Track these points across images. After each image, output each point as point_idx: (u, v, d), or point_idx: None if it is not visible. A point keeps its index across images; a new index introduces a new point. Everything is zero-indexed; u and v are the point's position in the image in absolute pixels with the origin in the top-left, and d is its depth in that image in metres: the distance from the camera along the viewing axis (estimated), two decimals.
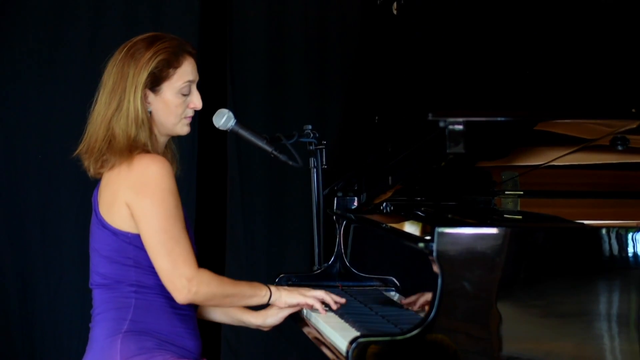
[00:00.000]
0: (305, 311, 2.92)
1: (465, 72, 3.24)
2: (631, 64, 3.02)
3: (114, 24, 4.24)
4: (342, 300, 2.87)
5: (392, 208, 3.35)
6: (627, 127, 2.59)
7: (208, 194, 4.41)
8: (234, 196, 4.36)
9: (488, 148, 2.71)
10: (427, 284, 2.55)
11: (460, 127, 2.43)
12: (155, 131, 2.77)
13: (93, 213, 2.76)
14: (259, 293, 2.80)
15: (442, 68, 3.33)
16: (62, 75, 4.24)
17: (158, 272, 2.66)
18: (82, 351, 2.79)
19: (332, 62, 4.48)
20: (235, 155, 4.33)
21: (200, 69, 2.84)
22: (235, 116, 3.10)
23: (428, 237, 2.49)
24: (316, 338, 2.80)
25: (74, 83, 4.19)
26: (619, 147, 2.66)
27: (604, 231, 2.55)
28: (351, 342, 2.42)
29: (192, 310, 2.81)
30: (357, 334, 2.56)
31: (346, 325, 2.73)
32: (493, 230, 2.51)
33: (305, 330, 2.91)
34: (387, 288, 3.16)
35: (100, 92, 2.75)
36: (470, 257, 2.48)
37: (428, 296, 2.62)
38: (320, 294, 2.85)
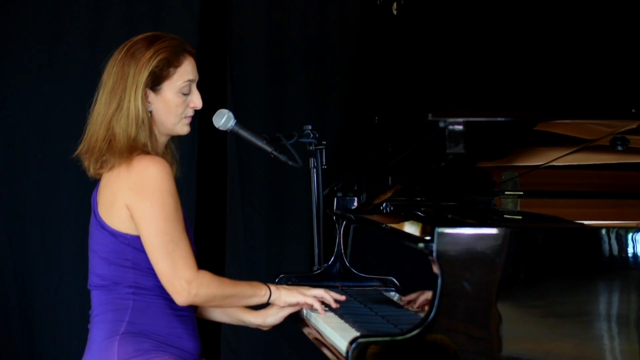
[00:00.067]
0: (305, 311, 2.92)
1: (465, 72, 3.24)
2: (631, 64, 3.01)
3: (114, 24, 4.24)
4: (342, 298, 2.87)
5: (392, 208, 3.35)
6: (627, 128, 2.59)
7: (208, 194, 4.41)
8: (234, 196, 4.36)
9: (488, 148, 2.71)
10: (427, 284, 2.55)
11: (460, 127, 2.43)
12: (155, 131, 2.77)
13: (92, 214, 2.76)
14: (258, 292, 2.80)
15: (442, 68, 3.33)
16: (62, 75, 4.24)
17: (158, 274, 2.66)
18: (82, 351, 2.79)
19: (332, 62, 4.48)
20: (235, 155, 4.33)
21: (200, 69, 2.84)
22: (235, 116, 3.10)
23: (428, 238, 2.49)
24: (316, 338, 2.80)
25: (74, 83, 4.19)
26: (619, 148, 2.65)
27: (603, 231, 2.55)
28: (351, 343, 2.42)
29: (192, 311, 2.81)
30: (357, 334, 2.56)
31: (346, 325, 2.73)
32: (493, 231, 2.51)
33: (305, 330, 2.91)
34: (387, 288, 3.16)
35: (100, 92, 2.75)
36: (470, 257, 2.48)
37: (428, 295, 2.62)
38: (320, 292, 2.85)
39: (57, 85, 4.24)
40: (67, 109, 4.18)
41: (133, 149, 2.68)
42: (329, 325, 2.74)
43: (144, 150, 2.70)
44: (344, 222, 3.39)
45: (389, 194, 3.28)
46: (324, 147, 3.32)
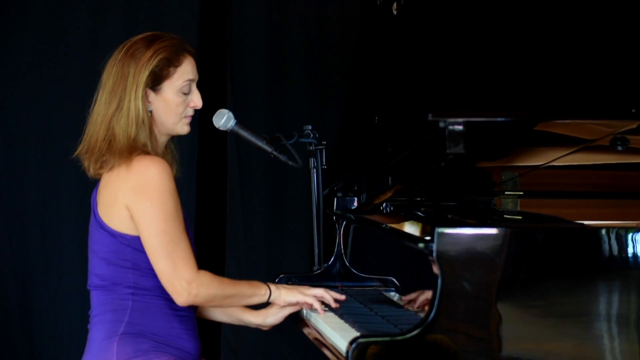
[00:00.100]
0: (305, 311, 2.92)
1: (465, 72, 3.23)
2: (631, 64, 3.01)
3: (114, 24, 4.25)
4: (342, 297, 2.87)
5: (392, 208, 3.35)
6: (627, 128, 2.59)
7: (208, 194, 4.41)
8: (234, 196, 4.36)
9: (488, 148, 2.71)
10: (427, 284, 2.55)
11: (460, 127, 2.43)
12: (155, 131, 2.77)
13: (92, 214, 2.76)
14: (258, 292, 2.80)
15: (442, 68, 3.33)
16: (62, 75, 4.25)
17: (158, 275, 2.66)
18: (82, 351, 2.79)
19: (332, 62, 4.48)
20: (235, 155, 4.33)
21: (200, 69, 2.84)
22: (235, 116, 3.10)
23: (428, 238, 2.49)
24: (316, 338, 2.80)
25: (74, 83, 4.19)
26: (619, 148, 2.65)
27: (603, 231, 2.55)
28: (351, 343, 2.42)
29: (191, 311, 2.81)
30: (357, 334, 2.56)
31: (346, 325, 2.73)
32: (493, 231, 2.50)
33: (305, 330, 2.91)
34: (387, 288, 3.16)
35: (100, 92, 2.75)
36: (470, 257, 2.48)
37: (428, 294, 2.62)
38: (320, 292, 2.85)
39: (57, 85, 4.25)
40: (67, 109, 4.18)
41: (133, 149, 2.68)
42: (329, 325, 2.74)
43: (144, 151, 2.69)
44: (344, 222, 3.39)
45: (389, 194, 3.28)
46: (324, 147, 3.32)
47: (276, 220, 4.43)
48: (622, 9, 3.06)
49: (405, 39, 3.54)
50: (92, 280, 2.76)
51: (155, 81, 2.73)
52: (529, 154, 2.89)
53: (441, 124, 2.43)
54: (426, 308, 2.53)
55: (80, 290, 3.18)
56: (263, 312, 2.92)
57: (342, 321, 2.78)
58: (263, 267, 4.38)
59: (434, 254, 2.47)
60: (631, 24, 3.05)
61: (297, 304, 2.85)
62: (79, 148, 2.77)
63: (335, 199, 3.49)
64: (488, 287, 2.49)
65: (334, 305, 2.84)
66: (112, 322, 2.70)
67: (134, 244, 2.68)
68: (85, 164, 2.76)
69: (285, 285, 2.89)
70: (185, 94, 2.77)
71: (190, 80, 2.78)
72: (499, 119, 2.52)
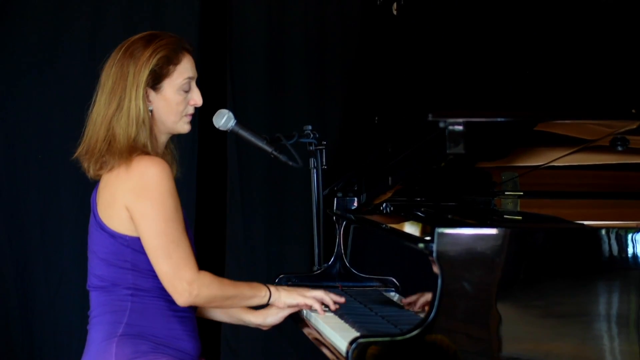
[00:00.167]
0: (305, 311, 2.92)
1: (465, 72, 3.24)
2: (631, 64, 3.01)
3: (114, 24, 4.25)
4: (341, 300, 2.87)
5: (392, 208, 3.35)
6: (627, 128, 2.59)
7: (208, 194, 4.41)
8: (234, 196, 4.36)
9: (488, 149, 2.71)
10: (427, 284, 2.55)
11: (460, 127, 2.43)
12: (155, 131, 2.76)
13: (91, 215, 2.76)
14: (258, 294, 2.80)
15: (442, 68, 3.33)
16: (62, 75, 4.24)
17: (159, 276, 2.66)
18: (82, 351, 2.79)
19: (332, 62, 4.48)
20: (235, 155, 4.33)
21: (200, 69, 2.84)
22: (235, 116, 3.10)
23: (428, 238, 2.49)
24: (316, 339, 2.80)
25: (74, 83, 4.19)
26: (619, 148, 2.65)
27: (603, 232, 2.55)
28: (351, 343, 2.42)
29: (191, 312, 2.80)
30: (357, 334, 2.56)
31: (346, 325, 2.73)
32: (493, 231, 2.50)
33: (305, 330, 2.91)
34: (387, 288, 3.16)
35: (99, 93, 2.74)
36: (470, 257, 2.48)
37: (428, 296, 2.62)
38: (320, 294, 2.85)
39: (57, 85, 4.24)
40: (67, 108, 4.18)
41: (133, 150, 2.67)
42: (328, 326, 2.74)
43: (144, 151, 2.69)
44: (344, 223, 3.39)
45: (389, 194, 3.27)
46: (324, 147, 3.32)
47: (276, 220, 4.42)
48: (622, 9, 3.06)
49: (405, 39, 3.54)
50: (92, 280, 2.76)
51: (156, 80, 2.73)
52: (529, 154, 2.89)
53: (441, 124, 2.43)
54: (426, 308, 2.53)
55: (80, 291, 3.18)
56: (263, 312, 2.92)
57: (342, 321, 2.78)
58: (263, 267, 4.38)
59: (434, 254, 2.47)
60: (631, 24, 3.05)
61: (297, 306, 2.85)
62: (79, 149, 2.77)
63: (335, 199, 3.49)
64: (488, 287, 2.49)
65: (333, 307, 2.84)
66: (111, 323, 2.70)
67: (134, 245, 2.68)
68: (85, 165, 2.76)
69: (285, 287, 2.89)
70: (185, 91, 2.77)
71: (190, 78, 2.78)
72: (499, 119, 2.52)
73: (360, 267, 3.29)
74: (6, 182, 4.23)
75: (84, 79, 4.12)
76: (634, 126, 2.56)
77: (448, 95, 3.25)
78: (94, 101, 2.75)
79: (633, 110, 2.51)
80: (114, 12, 4.27)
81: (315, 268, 3.37)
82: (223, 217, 4.38)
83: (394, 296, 3.08)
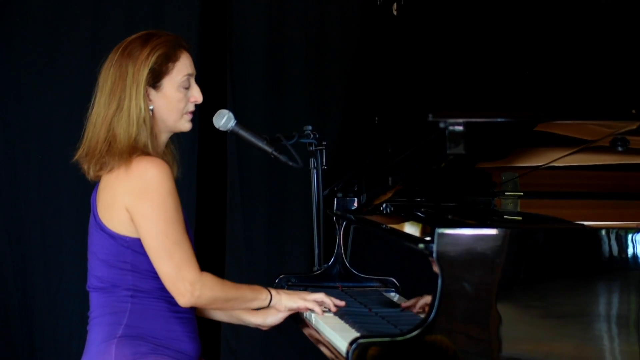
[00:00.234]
0: (305, 312, 2.92)
1: (466, 72, 3.23)
2: (631, 64, 3.01)
3: (114, 24, 4.24)
4: (342, 303, 2.87)
5: (392, 209, 3.35)
6: (627, 128, 2.59)
7: (208, 195, 4.41)
8: (234, 197, 4.36)
9: (488, 149, 2.71)
10: (427, 284, 2.55)
11: (461, 128, 2.43)
12: (156, 130, 2.76)
13: (91, 215, 2.75)
14: (259, 297, 2.80)
15: (442, 69, 3.33)
16: (63, 75, 4.24)
17: (161, 276, 2.66)
18: (82, 351, 2.78)
19: (332, 62, 4.48)
20: (235, 155, 4.33)
21: (200, 69, 2.85)
22: (235, 117, 3.10)
23: (428, 238, 2.49)
24: (316, 339, 2.80)
25: (75, 83, 4.19)
26: (619, 148, 2.66)
27: (603, 232, 2.55)
28: (351, 343, 2.42)
29: (192, 313, 2.80)
30: (357, 334, 2.56)
31: (346, 326, 2.73)
32: (493, 231, 2.50)
33: (306, 331, 2.91)
34: (387, 289, 3.16)
35: (98, 95, 2.74)
36: (470, 258, 2.48)
37: (427, 298, 2.62)
38: (320, 296, 2.85)
39: (57, 85, 4.24)
40: (67, 108, 4.18)
41: (133, 150, 2.67)
42: (329, 326, 2.74)
43: (144, 151, 2.69)
44: (344, 223, 3.39)
45: (389, 195, 3.27)
46: (324, 147, 3.32)
47: (276, 220, 4.42)
48: (622, 9, 3.06)
49: (405, 40, 3.54)
50: (92, 281, 2.76)
51: (156, 78, 2.72)
52: (529, 155, 2.89)
53: (441, 125, 2.43)
54: (426, 309, 2.53)
55: (80, 291, 3.18)
56: (263, 312, 2.91)
57: (342, 322, 2.78)
58: (263, 268, 4.38)
59: (434, 255, 2.47)
60: (631, 24, 3.05)
61: (297, 309, 2.85)
62: (79, 152, 2.76)
63: (336, 199, 3.49)
64: (488, 287, 2.49)
65: (333, 309, 2.85)
66: (111, 324, 2.70)
67: (134, 246, 2.67)
68: (85, 167, 2.75)
69: (286, 291, 2.89)
70: (185, 88, 2.77)
71: (189, 75, 2.78)
72: (499, 120, 2.52)
73: (360, 268, 3.29)
74: (6, 182, 4.23)
75: (84, 79, 4.09)
76: (634, 126, 2.56)
77: (448, 96, 3.25)
78: (93, 104, 2.75)
79: (633, 111, 2.51)
80: (114, 12, 4.27)
81: (315, 268, 3.37)
82: (223, 217, 4.37)
83: (394, 296, 3.08)
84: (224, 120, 3.09)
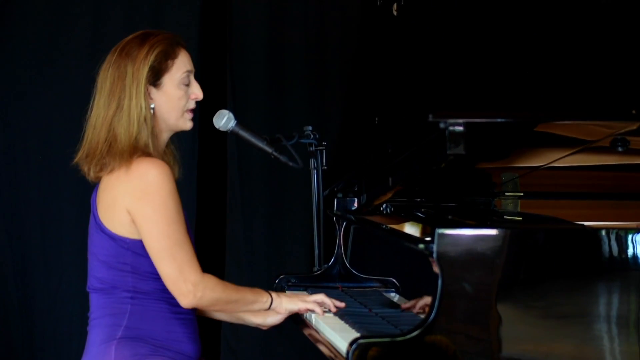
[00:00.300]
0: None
1: (466, 73, 3.23)
2: (631, 64, 3.01)
3: (114, 24, 4.25)
4: (342, 305, 2.88)
5: (392, 209, 3.35)
6: (627, 129, 2.59)
7: (208, 195, 4.41)
8: (234, 197, 4.36)
9: (488, 149, 2.71)
10: (427, 285, 2.55)
11: (461, 128, 2.43)
12: (157, 129, 2.75)
13: (91, 216, 2.75)
14: (260, 299, 2.80)
15: (442, 69, 3.33)
16: (63, 75, 4.25)
17: (163, 278, 2.65)
18: (82, 352, 2.78)
19: (332, 62, 4.48)
20: (235, 156, 4.33)
21: (200, 69, 2.85)
22: (235, 117, 3.10)
23: (428, 238, 2.49)
24: (316, 339, 2.80)
25: (75, 83, 4.19)
26: (619, 149, 2.66)
27: (603, 232, 2.55)
28: (351, 344, 2.42)
29: (193, 314, 2.80)
30: (357, 335, 2.56)
31: (346, 326, 2.73)
32: (493, 232, 2.50)
33: (306, 331, 2.91)
34: (387, 289, 3.16)
35: (97, 97, 2.73)
36: (470, 258, 2.48)
37: (427, 299, 2.62)
38: (320, 297, 2.86)
39: (57, 85, 4.24)
40: (67, 109, 4.18)
41: (134, 150, 2.66)
42: (329, 326, 2.74)
43: (145, 152, 2.68)
44: (344, 223, 3.39)
45: (389, 195, 3.27)
46: (324, 147, 3.32)
47: (276, 220, 4.42)
48: (622, 9, 3.06)
49: (405, 40, 3.54)
50: (92, 282, 2.76)
51: (156, 76, 2.72)
52: (529, 155, 2.89)
53: (441, 125, 2.43)
54: (426, 309, 2.53)
55: (80, 291, 3.19)
56: (263, 312, 2.91)
57: (342, 322, 2.78)
58: (263, 268, 4.38)
59: (434, 255, 2.47)
60: (631, 24, 3.05)
61: (298, 311, 2.85)
62: (79, 155, 2.75)
63: (336, 199, 3.49)
64: (488, 288, 2.49)
65: (333, 310, 2.85)
66: (111, 326, 2.70)
67: (134, 248, 2.67)
68: (85, 168, 2.74)
69: (286, 294, 2.90)
70: (185, 85, 2.77)
71: (189, 72, 2.78)
72: (499, 120, 2.52)
73: (360, 268, 3.29)
74: (6, 183, 4.24)
75: (84, 79, 4.06)
76: (634, 127, 2.56)
77: (448, 96, 3.25)
78: (92, 106, 2.74)
79: (633, 111, 2.51)
80: (114, 12, 4.27)
81: (315, 269, 3.37)
82: (223, 217, 4.38)
83: (394, 297, 3.08)
84: (224, 120, 3.09)
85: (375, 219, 3.23)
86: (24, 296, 4.24)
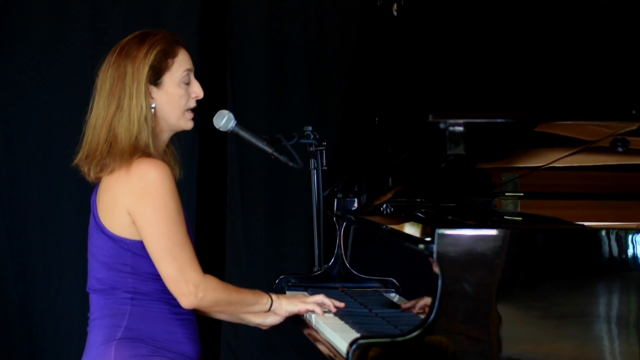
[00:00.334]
0: None
1: (466, 73, 3.24)
2: (631, 64, 3.01)
3: (114, 24, 4.25)
4: (342, 305, 2.87)
5: (392, 209, 3.35)
6: (627, 129, 2.59)
7: (208, 195, 4.41)
8: (234, 197, 4.36)
9: (488, 149, 2.71)
10: (427, 285, 2.55)
11: (461, 128, 2.43)
12: (157, 129, 2.75)
13: (91, 217, 2.74)
14: (260, 301, 2.80)
15: (442, 69, 3.33)
16: (63, 75, 4.25)
17: (163, 278, 2.65)
18: (81, 352, 2.78)
19: (332, 62, 4.48)
20: (235, 156, 4.33)
21: (200, 69, 2.85)
22: (236, 117, 3.10)
23: (428, 239, 2.49)
24: (316, 339, 2.80)
25: (75, 83, 4.19)
26: (619, 149, 2.66)
27: (603, 233, 2.55)
28: (351, 344, 2.42)
29: (193, 315, 2.80)
30: (357, 335, 2.56)
31: (346, 326, 2.73)
32: (493, 232, 2.50)
33: (306, 331, 2.91)
34: (387, 289, 3.16)
35: (97, 97, 2.72)
36: (470, 258, 2.48)
37: (427, 299, 2.62)
38: (320, 298, 2.85)
39: (57, 85, 4.25)
40: (67, 108, 4.18)
41: (134, 150, 2.66)
42: (329, 327, 2.74)
43: (145, 152, 2.68)
44: (344, 223, 3.39)
45: (389, 195, 3.27)
46: (324, 148, 3.32)
47: (276, 221, 4.43)
48: (622, 9, 3.06)
49: (405, 40, 3.54)
50: (92, 283, 2.76)
51: (156, 75, 2.72)
52: (529, 155, 2.89)
53: (442, 125, 2.43)
54: (426, 310, 2.53)
55: (80, 292, 3.19)
56: (263, 313, 2.91)
57: (342, 322, 2.78)
58: (263, 268, 4.38)
59: (435, 255, 2.47)
60: (631, 24, 3.05)
61: (298, 312, 2.85)
62: (79, 156, 2.74)
63: (336, 200, 3.49)
64: (488, 288, 2.49)
65: (333, 310, 2.85)
66: (110, 326, 2.69)
67: (134, 249, 2.67)
68: (85, 169, 2.73)
69: (286, 295, 2.90)
70: (186, 84, 2.77)
71: (189, 70, 2.78)
72: (499, 120, 2.52)
73: (360, 268, 3.29)
74: (6, 182, 4.24)
75: (84, 79, 4.06)
76: (634, 127, 2.56)
77: (448, 96, 3.25)
78: (91, 107, 2.73)
79: (633, 112, 2.51)
80: (114, 12, 4.27)
81: (315, 269, 3.37)
82: (223, 217, 4.38)
83: (394, 297, 3.08)
84: (224, 120, 3.09)
85: (376, 219, 3.23)
86: (24, 296, 4.24)
